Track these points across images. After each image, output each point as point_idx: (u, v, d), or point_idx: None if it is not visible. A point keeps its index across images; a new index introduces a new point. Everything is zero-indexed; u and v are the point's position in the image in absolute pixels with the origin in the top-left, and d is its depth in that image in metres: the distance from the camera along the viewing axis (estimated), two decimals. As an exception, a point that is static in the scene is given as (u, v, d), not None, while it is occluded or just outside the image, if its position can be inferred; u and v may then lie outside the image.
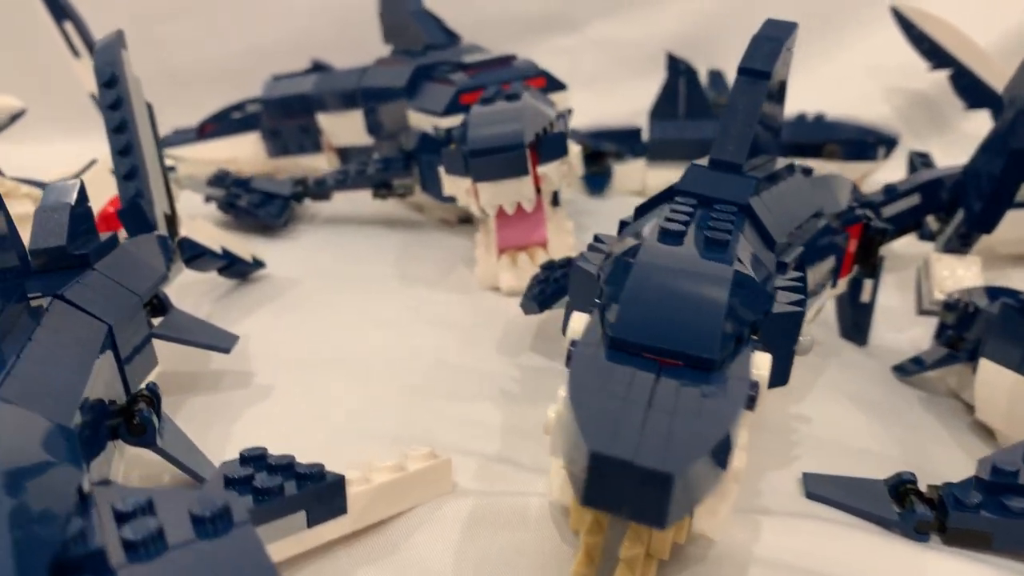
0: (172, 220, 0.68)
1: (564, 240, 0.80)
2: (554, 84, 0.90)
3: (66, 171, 1.11)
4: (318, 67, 1.21)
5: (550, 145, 0.73)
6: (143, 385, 0.49)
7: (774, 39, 0.56)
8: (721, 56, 1.40)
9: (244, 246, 0.80)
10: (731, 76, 1.34)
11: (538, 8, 1.41)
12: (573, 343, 0.39)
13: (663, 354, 0.37)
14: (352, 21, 1.38)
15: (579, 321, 0.41)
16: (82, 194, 0.53)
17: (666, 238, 0.44)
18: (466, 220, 0.97)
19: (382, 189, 0.98)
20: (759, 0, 1.41)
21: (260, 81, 1.29)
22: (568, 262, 0.65)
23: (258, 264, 0.79)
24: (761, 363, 0.39)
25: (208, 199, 0.98)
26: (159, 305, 0.56)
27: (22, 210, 0.78)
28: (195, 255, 0.70)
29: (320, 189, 0.99)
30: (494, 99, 0.77)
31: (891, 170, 1.10)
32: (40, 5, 1.12)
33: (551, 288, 0.62)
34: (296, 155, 1.20)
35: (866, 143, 1.13)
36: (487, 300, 0.76)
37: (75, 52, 1.13)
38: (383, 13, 1.09)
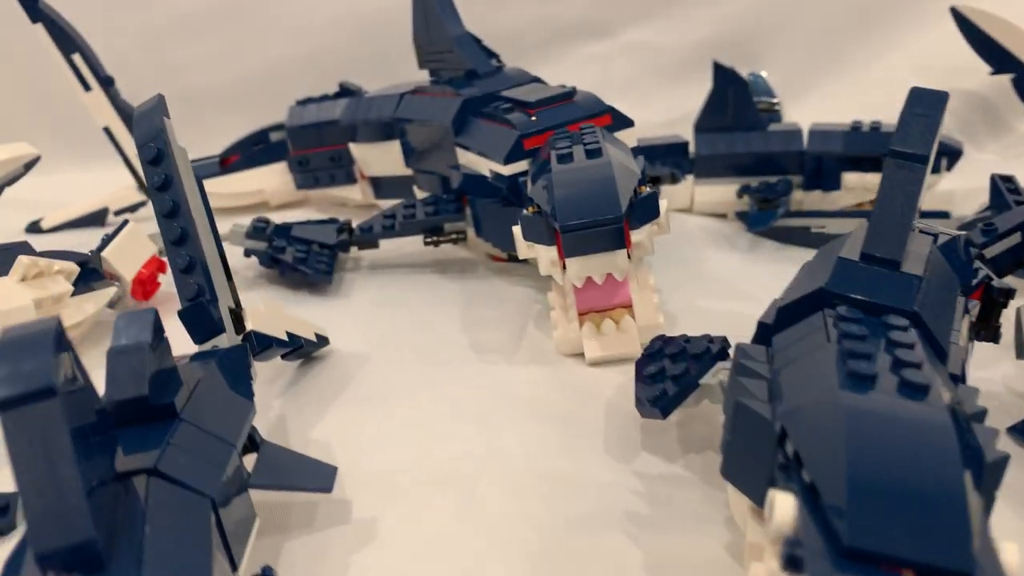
0: (238, 314, 0.62)
1: (648, 299, 0.74)
2: (621, 121, 0.84)
3: (85, 201, 1.03)
4: (346, 91, 1.13)
5: (643, 208, 0.67)
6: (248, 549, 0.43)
7: (926, 115, 0.49)
8: (759, 58, 1.34)
9: (294, 308, 0.73)
10: (773, 79, 1.29)
11: (568, 14, 1.34)
12: (794, 544, 0.33)
13: (909, 566, 0.32)
14: (373, 37, 1.31)
15: (787, 508, 0.35)
16: (158, 325, 0.47)
17: (858, 384, 0.38)
18: (517, 258, 0.91)
19: (433, 235, 0.91)
20: (796, 1, 1.36)
21: (277, 103, 1.22)
22: (682, 350, 0.59)
23: (322, 341, 0.72)
24: (1011, 556, 0.34)
25: (248, 253, 0.91)
26: (249, 442, 0.50)
27: (57, 290, 0.71)
28: (263, 348, 0.63)
29: (367, 237, 0.92)
30: (570, 152, 0.70)
31: (951, 181, 1.04)
32: (47, 39, 1.04)
33: (673, 387, 0.56)
34: (327, 187, 1.13)
35: (929, 155, 1.07)
36: (573, 374, 0.70)
37: (86, 85, 1.06)
38: (418, 36, 1.02)
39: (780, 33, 1.33)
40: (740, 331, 0.76)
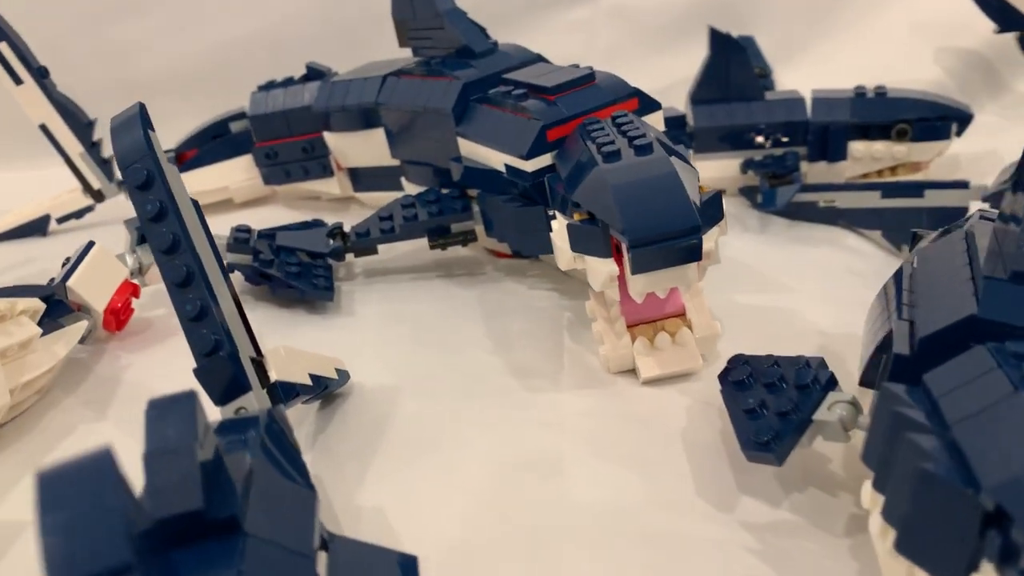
0: (260, 363, 0.52)
1: (702, 306, 0.67)
2: (647, 104, 0.76)
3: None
4: (314, 73, 1.02)
5: (709, 210, 0.59)
6: None
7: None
8: (747, 21, 1.26)
9: (292, 332, 0.64)
10: (762, 42, 1.22)
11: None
12: None
13: None
14: (337, 12, 1.19)
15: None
16: (200, 413, 0.37)
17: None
18: (523, 254, 0.83)
19: (439, 237, 0.82)
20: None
21: (232, 87, 1.11)
22: (780, 378, 0.52)
23: (343, 377, 0.63)
24: None
25: (231, 268, 0.81)
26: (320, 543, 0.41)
27: (23, 335, 0.61)
28: (290, 398, 0.54)
29: (364, 243, 0.82)
30: (617, 149, 0.61)
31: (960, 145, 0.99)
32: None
33: (784, 426, 0.49)
34: (301, 181, 1.02)
35: (938, 121, 1.02)
36: (631, 398, 0.63)
37: (16, 79, 0.93)
38: (399, 10, 0.91)
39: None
40: (794, 333, 0.70)
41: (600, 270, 0.60)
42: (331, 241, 0.84)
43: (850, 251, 0.88)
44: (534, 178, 0.71)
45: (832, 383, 0.51)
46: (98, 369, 0.71)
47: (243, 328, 0.53)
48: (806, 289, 0.79)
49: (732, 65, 1.02)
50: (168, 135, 1.14)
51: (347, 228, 0.85)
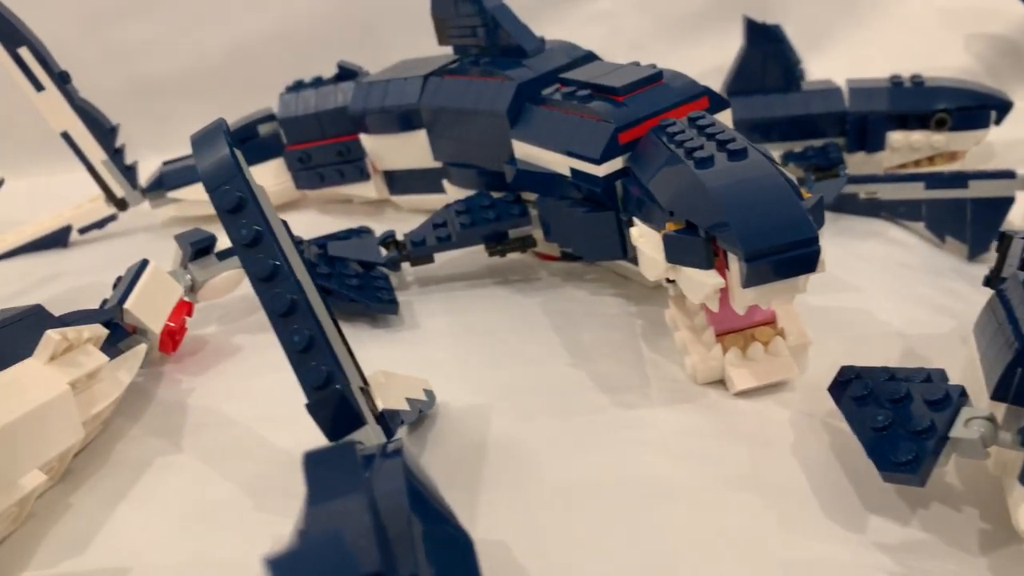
0: (367, 392, 0.50)
1: (791, 313, 0.65)
2: (717, 103, 0.73)
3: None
4: (346, 73, 0.98)
5: (816, 217, 0.57)
6: None
7: None
8: (771, 8, 1.24)
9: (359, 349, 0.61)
10: (790, 30, 1.21)
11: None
12: None
13: None
14: (354, 8, 1.15)
15: None
16: (362, 460, 0.35)
17: None
18: (571, 255, 0.81)
19: (496, 243, 0.80)
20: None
21: (248, 87, 1.07)
22: (907, 394, 0.51)
23: (431, 398, 0.61)
24: None
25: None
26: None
27: (92, 364, 0.58)
28: (396, 426, 0.51)
29: (421, 252, 0.79)
30: (711, 155, 0.59)
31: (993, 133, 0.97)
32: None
33: (924, 446, 0.47)
34: (336, 185, 0.99)
35: (978, 109, 1.01)
36: (730, 412, 0.61)
37: (37, 85, 0.89)
38: (439, 8, 0.88)
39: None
40: (872, 335, 0.69)
41: (702, 282, 0.58)
42: (385, 250, 0.81)
43: (895, 243, 0.87)
44: (606, 183, 0.69)
45: (963, 397, 0.50)
46: (159, 395, 0.67)
47: (349, 356, 0.50)
48: (865, 286, 0.78)
49: (768, 55, 1.01)
50: (179, 138, 1.11)
51: (399, 235, 0.82)
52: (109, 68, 1.17)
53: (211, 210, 1.00)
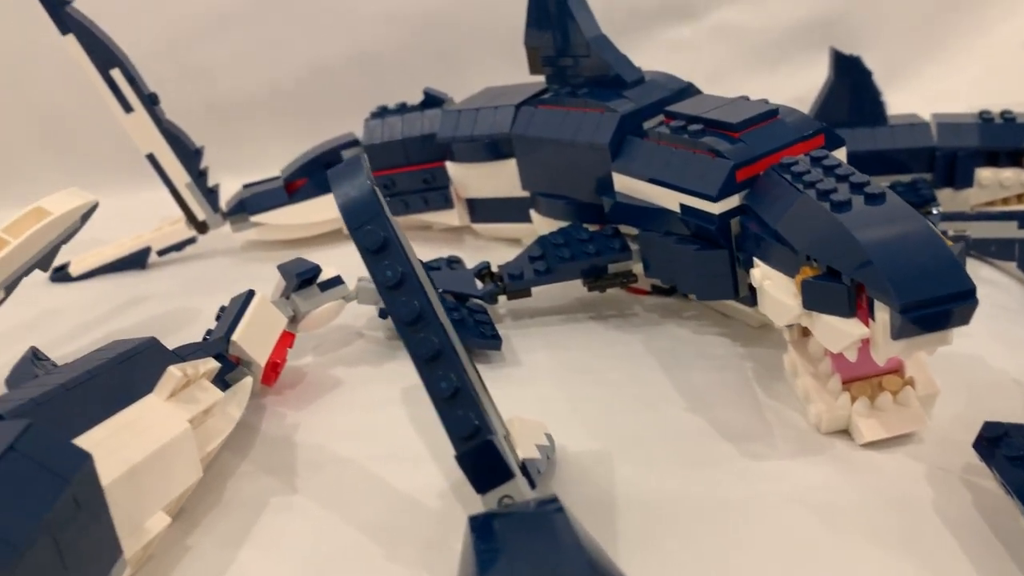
0: (509, 441, 0.48)
1: (920, 362, 0.63)
2: (833, 140, 0.72)
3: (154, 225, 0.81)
4: (432, 100, 0.97)
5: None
6: None
7: None
8: (854, 41, 1.23)
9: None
10: (870, 62, 1.19)
11: (648, -4, 1.20)
12: None
13: None
14: (429, 35, 1.14)
15: None
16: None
17: None
18: (663, 289, 0.80)
19: (595, 278, 0.78)
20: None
21: (323, 107, 1.06)
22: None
23: (552, 443, 0.59)
24: None
25: (385, 314, 0.76)
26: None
27: (208, 400, 0.57)
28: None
29: (520, 285, 0.78)
30: (839, 195, 0.57)
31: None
32: (79, 51, 0.86)
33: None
34: (420, 212, 0.98)
35: (1073, 148, 0.99)
36: (860, 464, 0.59)
37: (126, 106, 0.88)
38: (532, 37, 0.87)
39: (875, 12, 1.22)
40: (992, 384, 0.66)
41: (844, 331, 0.56)
42: (480, 282, 0.79)
43: (989, 284, 0.85)
44: (721, 220, 0.67)
45: None
46: (264, 429, 0.66)
47: (490, 402, 0.48)
48: (970, 330, 0.75)
49: (856, 88, 0.99)
50: (251, 157, 1.11)
51: (493, 267, 0.80)
52: (188, 88, 1.16)
53: (292, 235, 1.00)
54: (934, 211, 0.92)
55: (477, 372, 0.49)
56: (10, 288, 0.72)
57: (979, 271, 0.86)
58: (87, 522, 0.43)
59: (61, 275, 1.00)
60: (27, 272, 0.73)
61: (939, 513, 0.53)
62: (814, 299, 0.57)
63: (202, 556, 0.53)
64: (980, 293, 0.83)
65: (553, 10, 0.84)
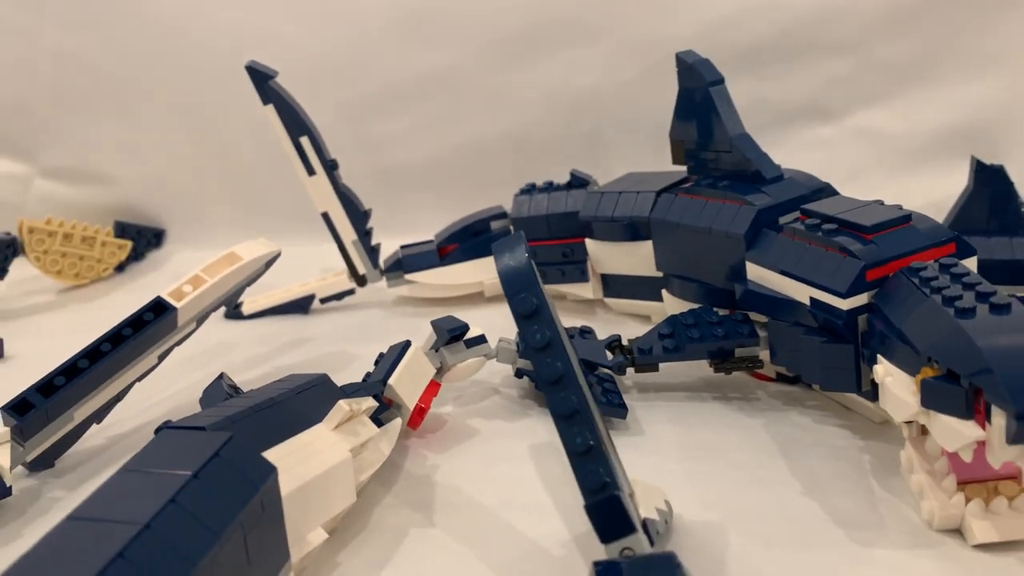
0: (633, 499, 0.53)
1: (1035, 468, 0.64)
2: (964, 250, 0.74)
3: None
4: (578, 181, 1.05)
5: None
6: None
7: None
8: (998, 151, 1.23)
9: None
10: (1013, 173, 1.19)
11: (790, 94, 1.25)
12: None
13: None
14: (581, 118, 1.23)
15: None
16: None
17: None
18: (787, 377, 0.83)
19: (721, 360, 0.82)
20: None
21: (476, 180, 1.16)
22: None
23: (670, 509, 0.63)
24: None
25: (521, 374, 0.83)
26: None
27: (367, 434, 0.65)
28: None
29: (648, 359, 0.83)
30: (965, 303, 0.60)
31: None
32: (276, 119, 0.97)
33: None
34: (557, 283, 1.05)
35: None
36: (970, 565, 0.60)
37: (310, 169, 0.99)
38: (677, 131, 0.93)
39: (1019, 123, 1.22)
40: None
41: (961, 432, 0.58)
42: (611, 354, 0.85)
43: None
44: (848, 316, 0.71)
45: None
46: (408, 467, 0.73)
47: (619, 463, 0.53)
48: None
49: (995, 197, 1.00)
50: (415, 224, 1.21)
51: (624, 340, 0.86)
52: (357, 156, 1.29)
53: (439, 293, 1.09)
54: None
55: (608, 433, 0.54)
56: (200, 321, 0.83)
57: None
58: (268, 526, 0.50)
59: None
60: (216, 308, 0.84)
61: (1042, 619, 0.54)
62: (932, 398, 0.60)
63: (349, 573, 0.60)
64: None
65: (699, 106, 0.91)
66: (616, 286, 1.03)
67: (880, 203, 0.79)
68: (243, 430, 0.55)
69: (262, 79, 0.97)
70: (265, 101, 0.98)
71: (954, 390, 0.58)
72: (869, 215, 0.75)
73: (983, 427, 0.58)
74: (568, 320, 0.94)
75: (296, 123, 0.99)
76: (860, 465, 0.72)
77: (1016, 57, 1.22)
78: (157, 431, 0.55)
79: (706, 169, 0.93)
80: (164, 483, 0.46)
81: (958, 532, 0.63)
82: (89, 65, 1.42)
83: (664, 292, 0.96)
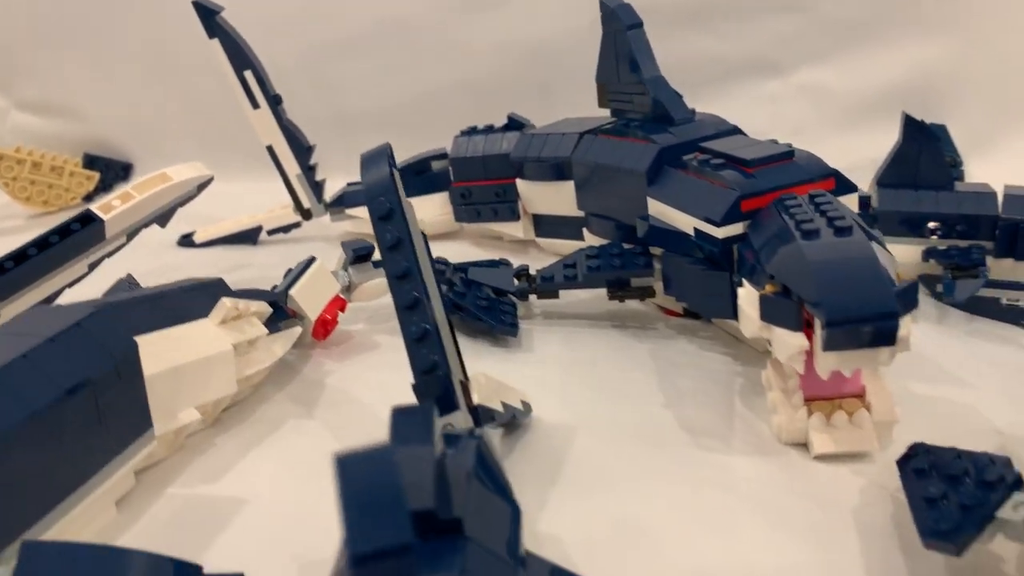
0: (466, 386, 0.57)
1: (882, 390, 0.67)
2: (844, 186, 0.77)
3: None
4: (514, 124, 1.09)
5: (905, 298, 0.60)
6: None
7: None
8: (939, 109, 1.25)
9: (476, 361, 0.68)
10: (955, 131, 1.21)
11: (740, 50, 1.27)
12: None
13: None
14: (534, 67, 1.27)
15: None
16: (437, 426, 0.42)
17: None
18: (694, 314, 0.86)
19: (618, 289, 0.86)
20: (987, 47, 1.27)
21: (430, 128, 1.19)
22: (964, 472, 0.53)
23: (527, 409, 0.68)
24: None
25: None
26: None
27: (253, 333, 0.69)
28: (487, 421, 0.59)
29: (548, 287, 0.87)
30: (817, 228, 0.64)
31: None
32: (221, 54, 1.02)
33: (967, 520, 0.50)
34: (489, 221, 1.09)
35: None
36: (803, 471, 0.64)
37: (254, 102, 1.04)
38: (603, 73, 0.97)
39: (964, 84, 1.24)
40: (970, 429, 0.69)
41: (789, 343, 0.62)
42: (517, 281, 0.89)
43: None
44: (724, 245, 0.74)
45: (1018, 483, 0.51)
46: (304, 372, 0.78)
47: (456, 352, 0.58)
48: (983, 385, 0.78)
49: (923, 152, 1.02)
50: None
51: (532, 271, 0.90)
52: (314, 99, 1.34)
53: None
54: (980, 275, 0.94)
55: (452, 332, 0.59)
56: (131, 236, 0.88)
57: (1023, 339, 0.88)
58: (124, 392, 0.55)
59: (187, 241, 1.17)
60: (146, 225, 0.89)
61: (854, 517, 0.58)
62: (768, 312, 0.64)
63: (221, 453, 0.65)
64: (1016, 359, 0.86)
65: (619, 49, 0.94)
66: (545, 226, 1.07)
67: (774, 142, 0.82)
68: (118, 313, 0.60)
69: (208, 14, 1.02)
70: (211, 35, 1.03)
71: (787, 304, 0.62)
72: (754, 151, 0.78)
73: (809, 338, 0.62)
74: (500, 256, 0.99)
75: (240, 57, 1.03)
76: (730, 386, 0.75)
77: (962, 19, 1.23)
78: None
79: (625, 111, 0.96)
80: (21, 343, 0.51)
81: (804, 446, 0.67)
82: (64, 3, 1.48)
83: (584, 231, 1.00)
